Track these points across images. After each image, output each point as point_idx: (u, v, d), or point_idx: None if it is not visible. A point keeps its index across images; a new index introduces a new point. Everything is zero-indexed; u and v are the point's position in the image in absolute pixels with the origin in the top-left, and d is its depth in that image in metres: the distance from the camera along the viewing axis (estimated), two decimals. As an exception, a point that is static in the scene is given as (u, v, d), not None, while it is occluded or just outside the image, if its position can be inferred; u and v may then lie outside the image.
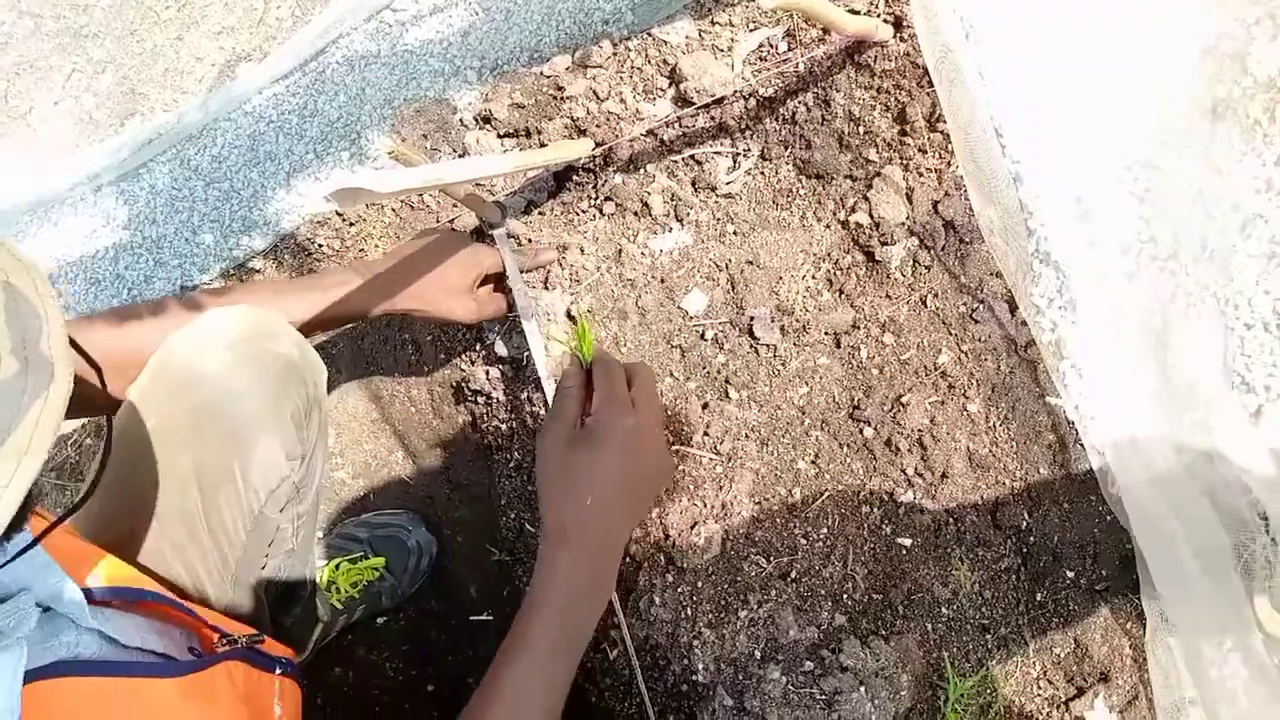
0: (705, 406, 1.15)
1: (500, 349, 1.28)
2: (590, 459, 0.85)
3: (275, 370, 0.96)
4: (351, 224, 1.39)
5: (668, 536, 1.09)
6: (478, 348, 1.35)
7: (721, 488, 1.10)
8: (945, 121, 1.17)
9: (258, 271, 1.47)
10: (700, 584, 1.07)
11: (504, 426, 1.32)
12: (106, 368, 0.80)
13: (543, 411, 1.22)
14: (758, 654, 1.05)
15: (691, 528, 1.08)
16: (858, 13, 1.19)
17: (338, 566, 1.33)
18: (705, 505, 1.09)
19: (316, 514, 1.11)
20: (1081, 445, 1.15)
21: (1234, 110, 1.10)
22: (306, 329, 1.08)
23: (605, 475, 0.85)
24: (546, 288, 1.24)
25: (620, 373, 0.92)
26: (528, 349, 1.19)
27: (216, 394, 0.91)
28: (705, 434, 1.12)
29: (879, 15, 1.19)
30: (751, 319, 1.19)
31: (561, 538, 0.84)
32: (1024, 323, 1.17)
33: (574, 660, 0.84)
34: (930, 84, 1.17)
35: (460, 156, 1.35)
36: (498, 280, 1.23)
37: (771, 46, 1.24)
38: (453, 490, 1.42)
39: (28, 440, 0.57)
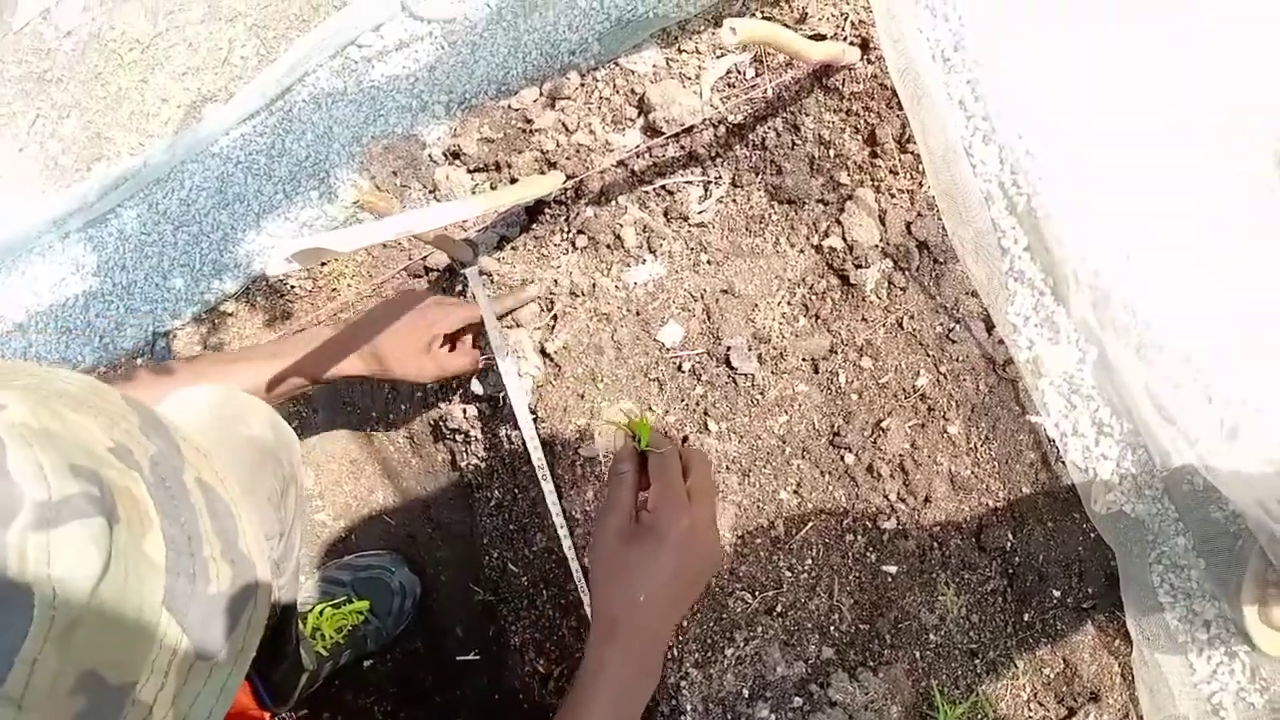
0: (685, 440, 1.14)
1: (476, 387, 1.27)
2: (646, 557, 0.84)
3: (248, 455, 0.94)
4: (324, 263, 1.38)
5: (651, 575, 1.08)
6: (454, 385, 1.33)
7: (704, 523, 1.09)
8: (915, 142, 1.17)
9: (230, 315, 1.45)
10: (686, 623, 1.06)
11: (483, 464, 1.31)
12: None
13: (522, 449, 1.21)
14: (745, 692, 1.04)
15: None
16: (824, 36, 1.19)
17: (321, 612, 1.31)
18: (723, 549, 1.08)
19: (298, 578, 1.10)
20: (1063, 463, 1.14)
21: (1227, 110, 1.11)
22: (277, 391, 1.09)
23: (660, 574, 0.84)
24: (518, 324, 1.23)
25: (677, 464, 0.90)
26: (504, 388, 1.18)
27: None
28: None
29: (845, 39, 1.19)
30: (728, 349, 1.18)
31: (612, 632, 0.83)
32: (1001, 341, 1.17)
33: None
34: (899, 105, 1.17)
35: (430, 192, 1.34)
36: (470, 331, 1.22)
37: (739, 73, 1.24)
38: (434, 529, 1.40)
39: (241, 642, 0.57)
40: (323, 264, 1.38)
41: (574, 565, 1.15)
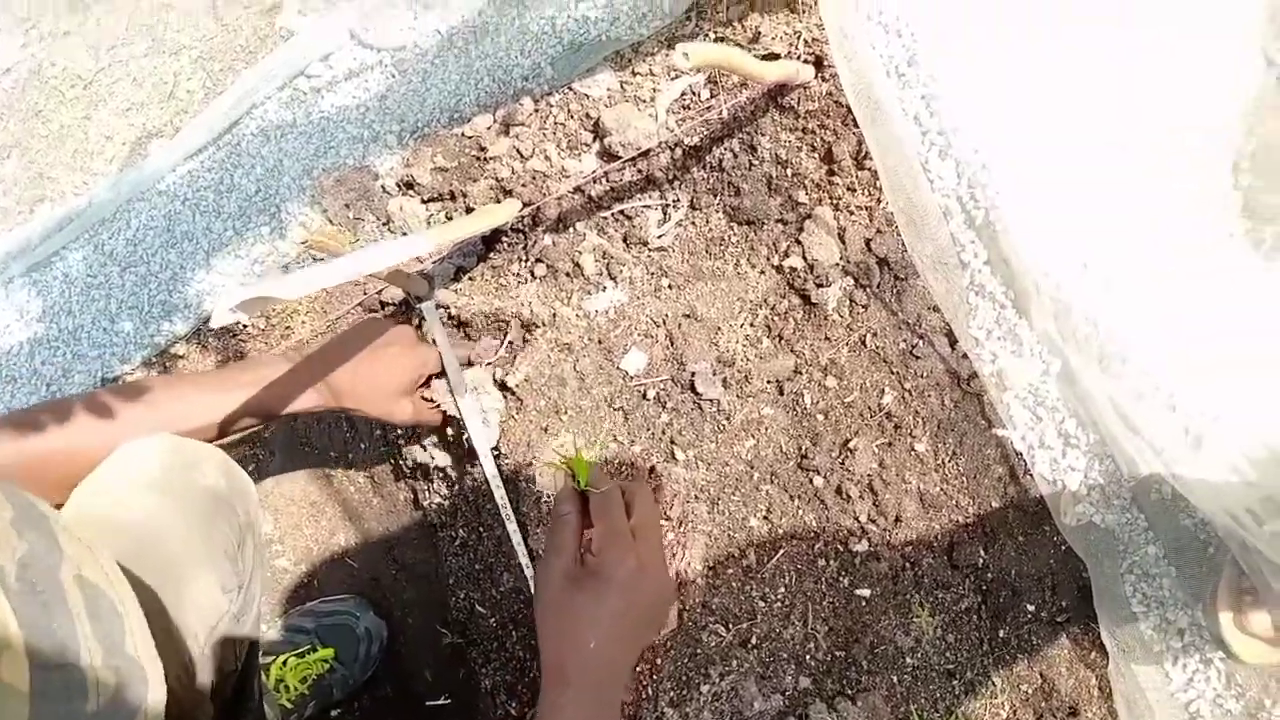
0: (652, 470, 1.12)
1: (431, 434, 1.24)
2: (593, 601, 0.82)
3: (202, 506, 0.90)
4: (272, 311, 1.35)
5: (622, 610, 1.06)
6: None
7: (675, 555, 1.07)
8: (872, 159, 1.16)
9: (181, 358, 1.41)
10: (659, 660, 1.04)
11: (446, 503, 1.28)
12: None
13: (485, 486, 1.18)
14: (723, 727, 1.02)
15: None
16: (777, 55, 1.19)
17: (285, 663, 1.27)
18: (673, 584, 1.06)
19: (259, 628, 1.06)
20: (1031, 475, 1.14)
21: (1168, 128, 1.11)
22: (233, 425, 1.03)
23: (608, 617, 0.82)
24: (474, 362, 1.20)
25: (619, 502, 0.88)
26: (464, 426, 1.15)
27: (141, 541, 0.85)
28: (655, 501, 1.09)
29: (799, 57, 1.18)
30: (693, 374, 1.16)
31: (562, 679, 0.80)
32: (965, 356, 1.16)
33: None
34: (855, 122, 1.16)
35: (384, 224, 1.31)
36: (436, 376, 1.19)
37: (694, 94, 1.23)
38: (399, 571, 1.37)
39: None
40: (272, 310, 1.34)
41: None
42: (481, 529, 1.24)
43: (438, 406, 1.17)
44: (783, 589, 1.09)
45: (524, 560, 1.13)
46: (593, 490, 0.89)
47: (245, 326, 1.37)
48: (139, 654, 0.56)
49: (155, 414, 0.96)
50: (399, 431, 1.32)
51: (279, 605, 1.42)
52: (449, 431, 1.24)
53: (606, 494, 0.89)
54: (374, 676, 1.37)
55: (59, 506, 0.87)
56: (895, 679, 1.08)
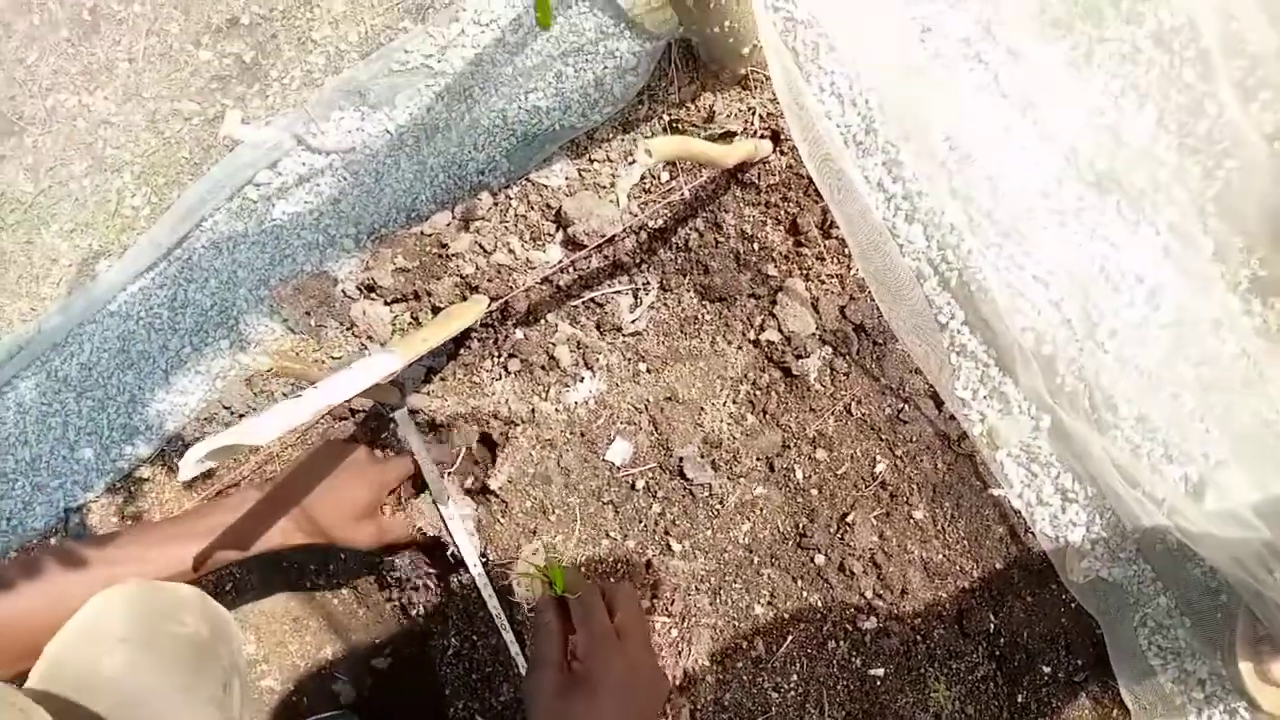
0: (649, 565, 1.08)
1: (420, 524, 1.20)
2: (586, 707, 0.80)
3: (182, 656, 0.86)
4: (240, 415, 1.30)
5: (631, 721, 1.01)
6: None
7: (680, 653, 1.03)
8: (838, 227, 1.15)
9: (146, 480, 1.35)
10: (676, 769, 1.00)
11: (435, 611, 1.23)
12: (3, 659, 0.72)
13: (475, 592, 1.14)
14: (748, 835, 0.97)
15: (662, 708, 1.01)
16: (733, 133, 1.18)
17: (278, 794, 1.21)
18: (668, 676, 1.02)
19: None
20: (1033, 534, 1.12)
21: (1118, 182, 1.11)
22: (201, 570, 1.01)
23: None
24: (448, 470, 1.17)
25: (599, 604, 0.87)
26: (447, 533, 1.11)
27: (121, 700, 0.81)
28: (654, 596, 1.05)
29: (755, 132, 1.17)
30: (681, 460, 1.13)
31: None
32: (952, 417, 1.15)
33: None
34: (817, 192, 1.15)
35: (348, 329, 1.27)
36: (402, 487, 1.16)
37: (654, 177, 1.21)
38: (391, 683, 1.31)
39: None
40: (250, 400, 1.30)
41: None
42: (475, 637, 1.20)
43: (409, 520, 1.13)
44: (795, 676, 1.06)
45: (523, 669, 1.08)
46: (570, 595, 0.86)
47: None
48: None
49: (116, 571, 0.93)
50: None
51: (269, 731, 1.36)
52: (430, 536, 1.20)
53: (585, 598, 0.87)
54: (373, 798, 1.31)
55: (21, 676, 0.84)
56: (918, 761, 1.04)
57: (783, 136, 1.17)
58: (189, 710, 0.87)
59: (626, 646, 0.84)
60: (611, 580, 1.03)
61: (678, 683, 1.03)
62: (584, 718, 0.80)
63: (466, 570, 1.14)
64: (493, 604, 1.10)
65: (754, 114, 1.16)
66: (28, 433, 1.40)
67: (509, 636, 1.09)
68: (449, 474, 1.16)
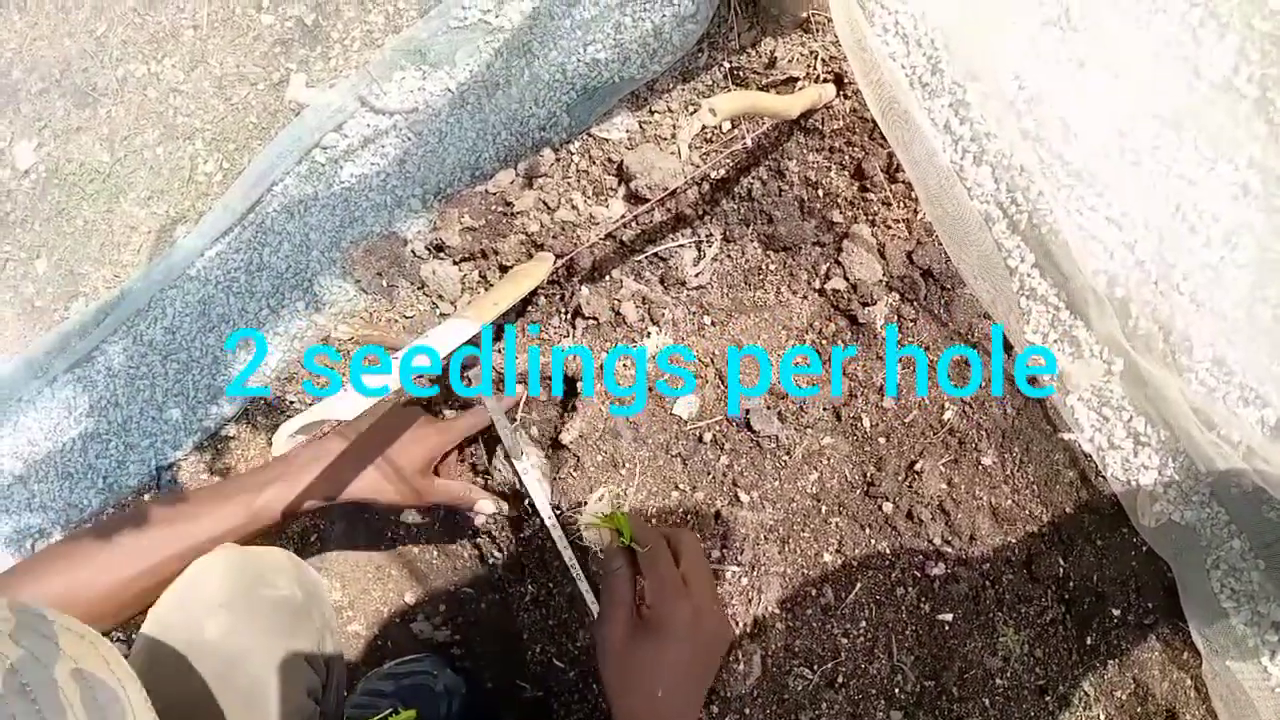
0: (718, 516, 1.10)
1: (494, 480, 1.24)
2: (655, 652, 0.84)
3: (279, 619, 0.92)
4: (319, 375, 1.35)
5: (706, 666, 1.05)
6: (474, 477, 1.30)
7: (751, 601, 1.06)
8: (904, 171, 1.14)
9: (232, 438, 1.42)
10: (748, 710, 1.03)
11: (512, 561, 1.27)
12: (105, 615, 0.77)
13: (550, 543, 1.18)
14: (820, 774, 1.01)
15: (728, 652, 1.04)
16: (795, 79, 1.16)
17: (369, 730, 1.27)
18: (738, 624, 1.05)
19: (343, 710, 1.07)
20: (1104, 477, 1.12)
21: (1195, 117, 1.08)
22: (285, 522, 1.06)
23: (672, 666, 0.84)
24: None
25: (666, 552, 0.90)
26: (524, 489, 1.15)
27: (223, 662, 0.87)
28: (724, 546, 1.08)
29: (818, 77, 1.16)
30: (747, 411, 1.15)
31: None
32: (1022, 362, 1.14)
33: None
34: (883, 135, 1.13)
35: (419, 289, 1.30)
36: (457, 449, 1.19)
37: (715, 127, 1.20)
38: (472, 627, 1.37)
39: None
40: (326, 365, 1.34)
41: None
42: (551, 585, 1.24)
43: (468, 479, 1.18)
44: (864, 623, 1.08)
45: (596, 616, 1.12)
46: (638, 544, 0.90)
47: (292, 403, 1.37)
48: None
49: (201, 523, 0.98)
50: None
51: (356, 668, 1.43)
52: (505, 489, 1.24)
53: (652, 546, 0.90)
54: (458, 735, 1.38)
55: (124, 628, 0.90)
56: (988, 702, 1.06)
57: (846, 80, 1.15)
58: (287, 671, 0.93)
59: (693, 592, 0.87)
60: (674, 527, 1.06)
61: (748, 630, 1.06)
62: (651, 661, 0.84)
63: (541, 520, 1.18)
64: (567, 554, 1.13)
65: (816, 58, 1.15)
66: (118, 395, 1.47)
67: (584, 585, 1.13)
68: (518, 428, 1.19)
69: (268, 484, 1.05)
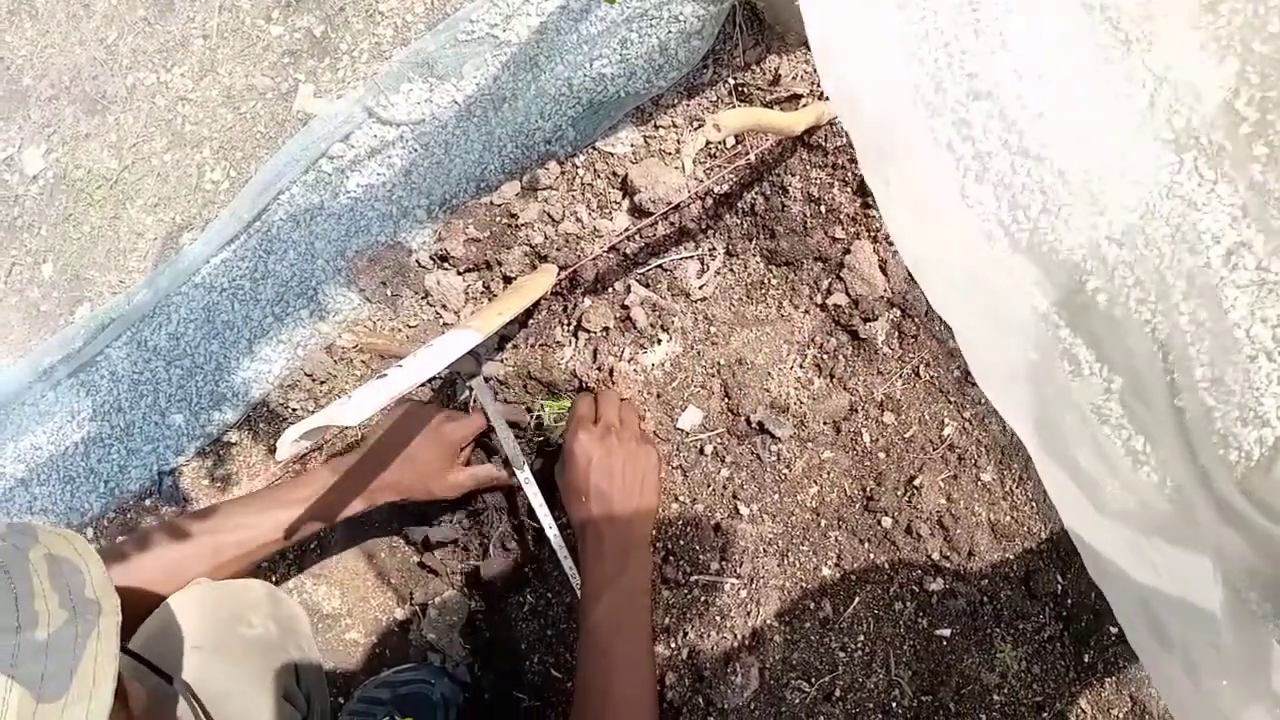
0: (717, 528, 1.11)
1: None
2: (604, 461, 1.07)
3: (252, 659, 0.93)
4: (322, 382, 1.35)
5: (703, 678, 1.05)
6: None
7: (749, 614, 1.06)
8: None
9: (234, 444, 1.42)
10: (747, 722, 1.03)
11: (512, 569, 1.28)
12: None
13: (549, 553, 1.18)
14: (817, 788, 1.01)
15: (726, 664, 1.04)
16: (799, 96, 1.17)
17: (365, 739, 1.27)
18: (736, 636, 1.05)
19: None
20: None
21: (1195, 139, 1.08)
22: (292, 538, 1.10)
23: (619, 472, 1.06)
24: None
25: (584, 410, 1.13)
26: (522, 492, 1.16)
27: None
28: (723, 559, 1.08)
29: (822, 94, 1.17)
30: (749, 420, 1.15)
31: (596, 531, 1.05)
32: (1022, 379, 1.14)
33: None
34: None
35: (423, 298, 1.31)
36: (479, 439, 1.20)
37: (719, 143, 1.22)
38: (469, 637, 1.37)
39: (91, 676, 0.62)
40: (330, 369, 1.35)
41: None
42: (550, 594, 1.24)
43: (482, 471, 1.19)
44: (862, 636, 1.08)
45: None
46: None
47: (295, 410, 1.38)
48: (97, 594, 0.67)
49: (220, 539, 1.00)
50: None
51: (353, 677, 1.43)
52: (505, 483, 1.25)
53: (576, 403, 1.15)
54: (455, 744, 1.37)
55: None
56: (985, 718, 1.06)
57: (849, 99, 1.16)
58: (264, 709, 0.94)
59: (624, 432, 1.09)
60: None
61: (746, 642, 1.06)
62: (601, 470, 1.05)
63: (540, 529, 1.18)
64: (567, 564, 1.14)
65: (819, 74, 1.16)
66: (121, 400, 1.48)
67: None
68: (521, 438, 1.20)
69: (296, 499, 1.08)
